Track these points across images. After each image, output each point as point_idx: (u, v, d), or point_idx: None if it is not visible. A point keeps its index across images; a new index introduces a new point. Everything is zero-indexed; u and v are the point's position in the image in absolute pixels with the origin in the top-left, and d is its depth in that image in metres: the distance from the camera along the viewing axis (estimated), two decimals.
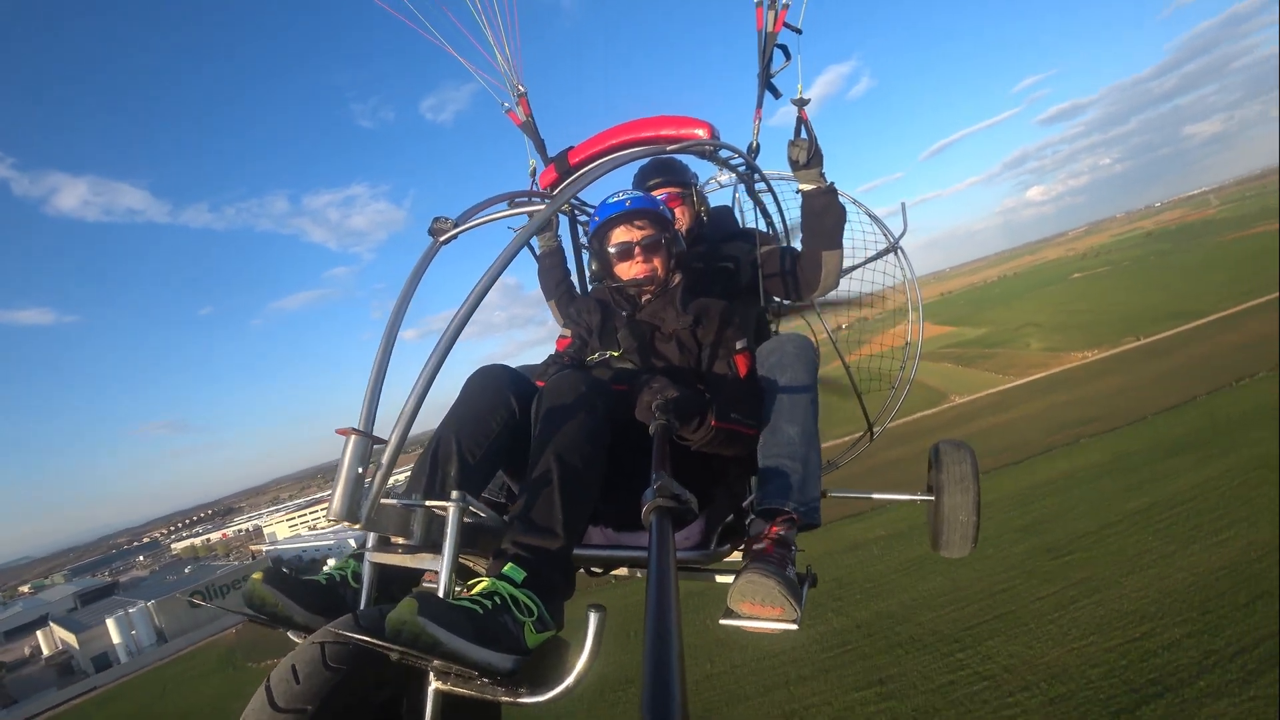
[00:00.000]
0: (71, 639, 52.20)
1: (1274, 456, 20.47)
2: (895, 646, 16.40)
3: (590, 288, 3.40)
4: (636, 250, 2.40)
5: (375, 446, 1.38)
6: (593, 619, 1.20)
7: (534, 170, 3.34)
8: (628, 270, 2.43)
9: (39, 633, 59.22)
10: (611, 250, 2.44)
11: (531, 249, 3.38)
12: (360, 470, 1.33)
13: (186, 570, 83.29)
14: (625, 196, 2.46)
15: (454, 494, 1.43)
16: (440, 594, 1.33)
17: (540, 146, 3.36)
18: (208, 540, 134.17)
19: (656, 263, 2.42)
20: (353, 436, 1.35)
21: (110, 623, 50.28)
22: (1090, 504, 22.77)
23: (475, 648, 1.19)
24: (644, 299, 2.46)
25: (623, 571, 2.37)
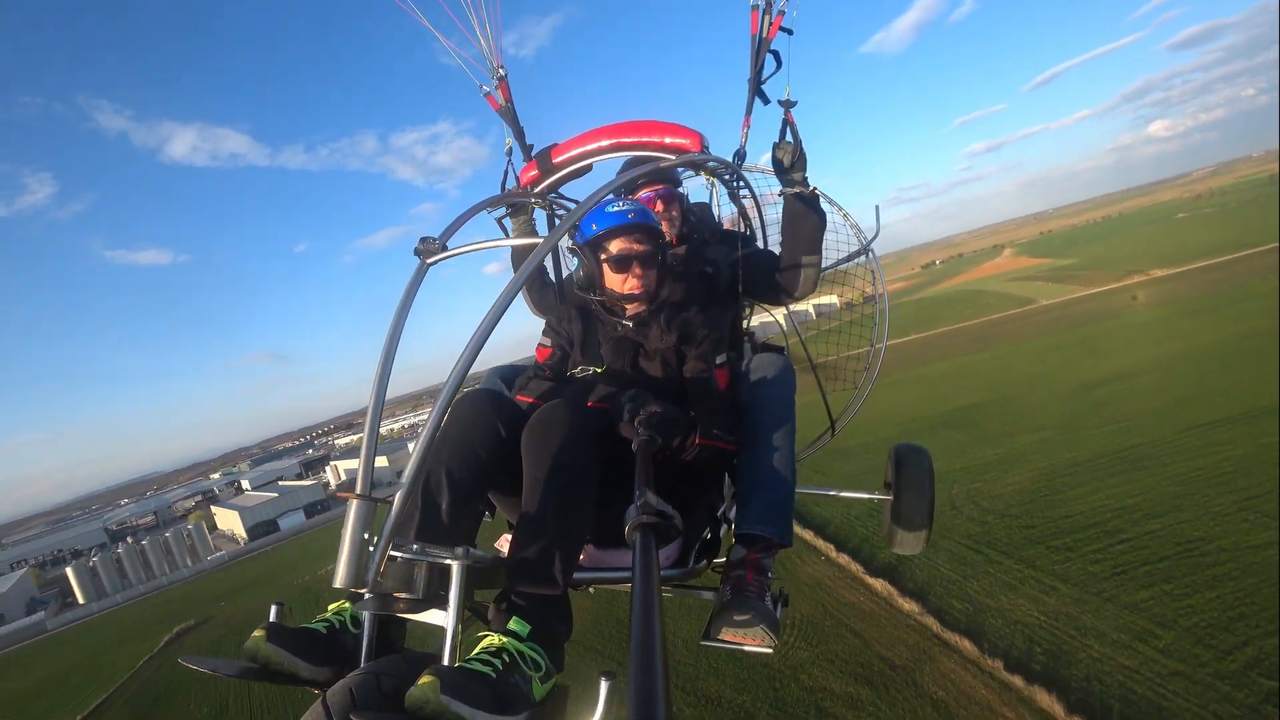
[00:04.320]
0: None
1: None
2: None
3: (562, 278, 3.36)
4: (634, 264, 2.38)
5: (378, 506, 1.43)
6: (604, 687, 1.26)
7: (510, 151, 3.36)
8: (621, 284, 2.40)
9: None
10: (607, 260, 2.40)
11: (504, 229, 3.25)
12: (365, 535, 1.38)
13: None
14: (627, 207, 2.41)
15: (457, 550, 1.49)
16: (448, 652, 1.43)
17: (519, 134, 3.37)
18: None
19: (650, 278, 2.42)
20: (355, 502, 1.39)
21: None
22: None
23: (495, 717, 1.26)
24: (630, 312, 2.44)
25: (606, 586, 2.38)
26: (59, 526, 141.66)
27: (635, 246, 2.38)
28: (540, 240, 2.19)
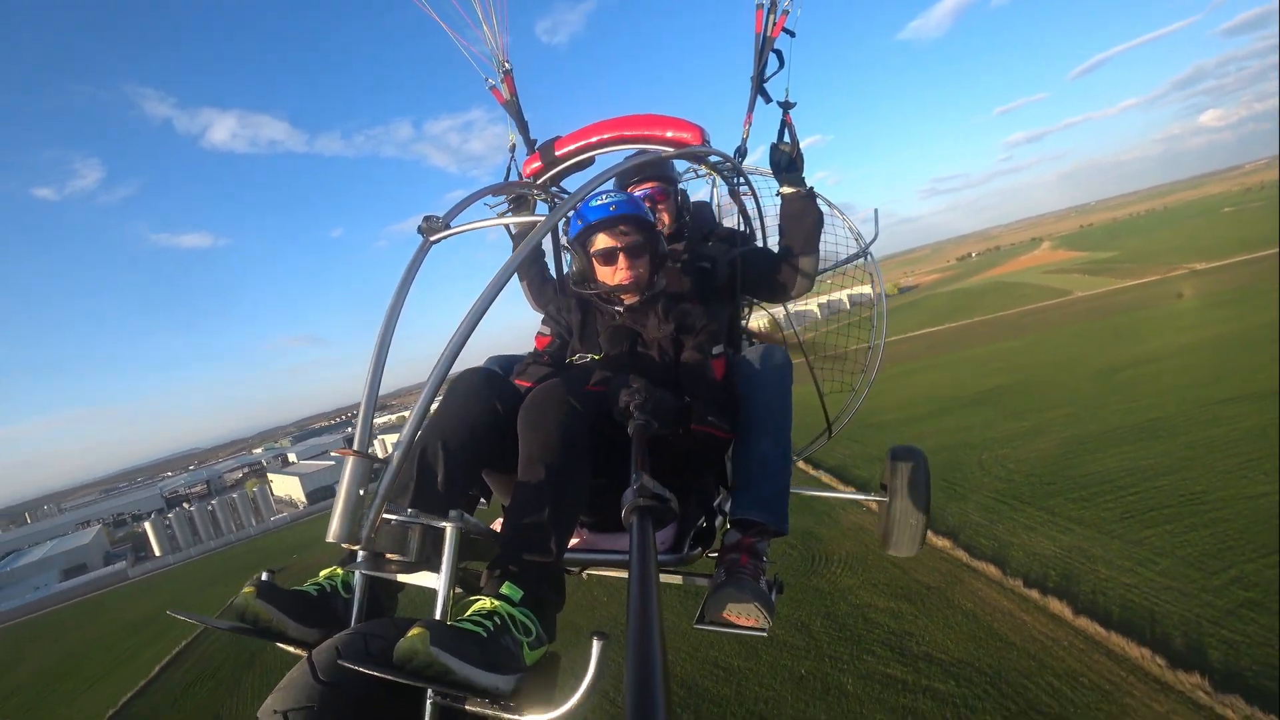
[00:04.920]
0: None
1: None
2: None
3: (565, 271, 3.38)
4: (620, 256, 2.43)
5: (375, 466, 1.46)
6: (596, 647, 1.24)
7: (513, 146, 3.41)
8: (611, 276, 2.46)
9: None
10: (594, 255, 2.46)
11: (508, 228, 3.34)
12: (360, 492, 1.40)
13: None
14: (610, 200, 2.45)
15: (451, 514, 1.51)
16: (439, 614, 1.44)
17: (523, 127, 3.45)
18: None
19: (640, 269, 2.46)
20: (352, 458, 1.42)
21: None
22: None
23: (483, 674, 1.26)
24: (627, 302, 2.48)
25: (602, 571, 2.45)
26: (111, 494, 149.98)
27: (621, 238, 2.43)
28: (540, 219, 2.18)
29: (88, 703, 23.82)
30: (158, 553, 63.76)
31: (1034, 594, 15.71)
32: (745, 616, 1.96)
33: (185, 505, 78.17)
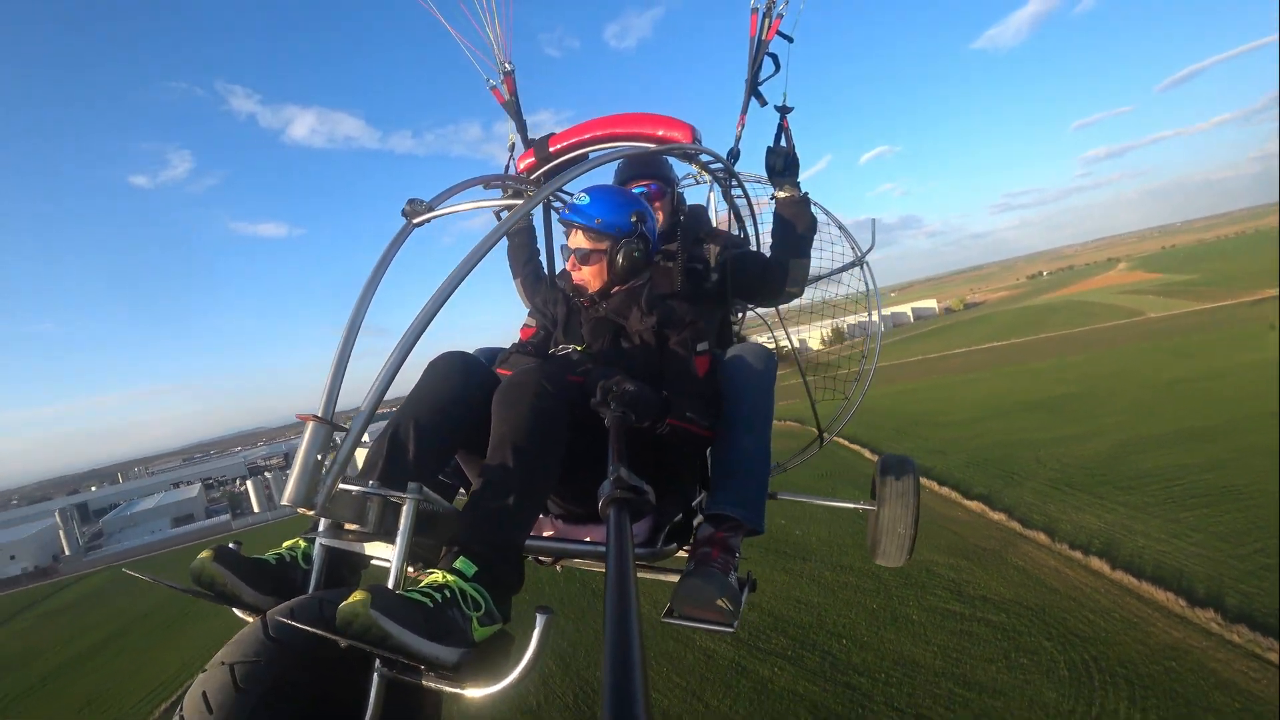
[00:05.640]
0: None
1: None
2: None
3: (560, 269, 3.38)
4: (572, 257, 2.48)
5: (336, 435, 1.44)
6: (540, 621, 1.26)
7: (513, 146, 3.45)
8: (573, 272, 2.52)
9: None
10: (565, 250, 2.53)
11: (497, 217, 3.27)
12: (319, 457, 1.40)
13: None
14: (579, 202, 2.47)
15: (410, 486, 1.51)
16: (391, 585, 1.41)
17: (521, 127, 3.47)
18: None
19: (588, 274, 2.47)
20: (312, 423, 1.42)
21: None
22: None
23: (423, 641, 1.25)
24: (585, 304, 2.50)
25: (575, 562, 2.40)
26: (191, 462, 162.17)
27: (583, 241, 2.45)
28: (520, 203, 2.15)
29: (203, 629, 26.13)
30: (256, 509, 70.79)
31: (1077, 554, 18.57)
32: (710, 610, 1.93)
33: (265, 475, 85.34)
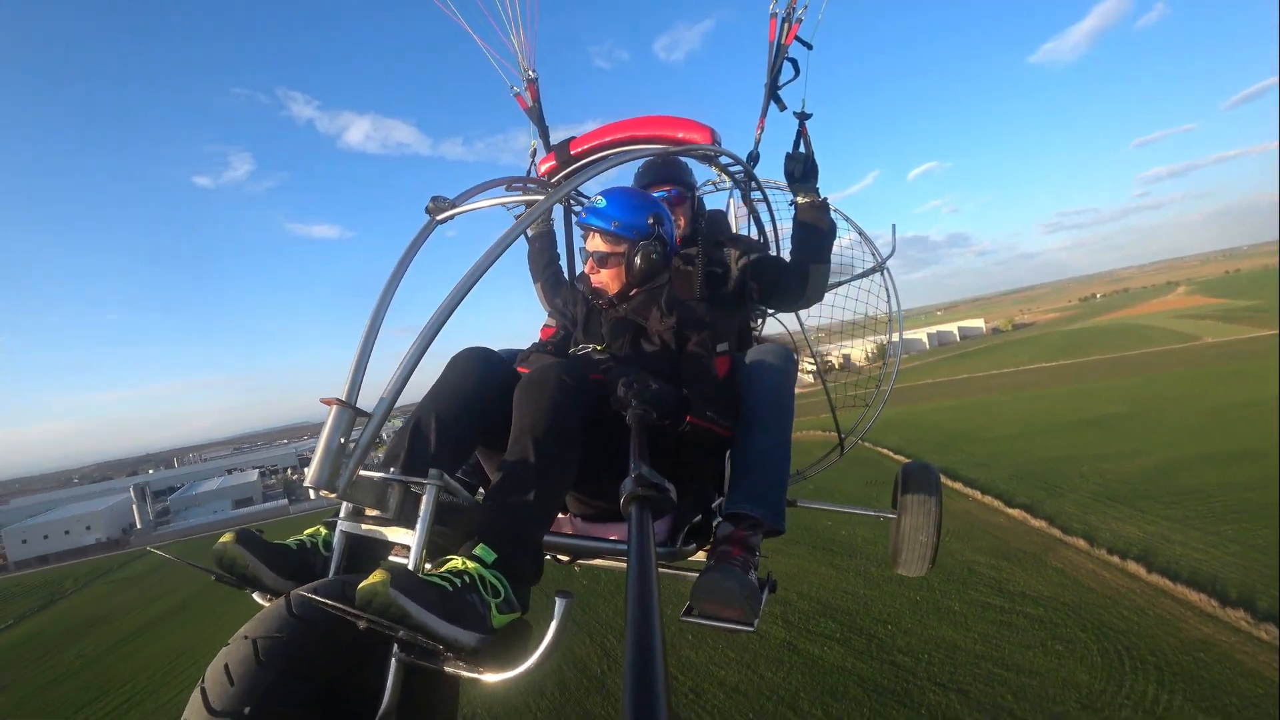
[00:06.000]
0: None
1: None
2: None
3: (580, 272, 3.39)
4: (590, 260, 2.54)
5: (358, 419, 1.47)
6: (559, 605, 1.27)
7: (534, 151, 3.52)
8: (592, 275, 2.58)
9: None
10: (584, 253, 2.60)
11: (526, 236, 3.38)
12: (341, 441, 1.42)
13: None
14: (603, 203, 2.53)
15: (431, 472, 1.53)
16: (410, 569, 1.43)
17: (544, 133, 3.58)
18: None
19: (605, 276, 2.53)
20: (335, 407, 1.44)
21: None
22: None
23: (442, 623, 1.28)
24: (604, 305, 2.56)
25: (595, 561, 2.43)
26: (241, 451, 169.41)
27: (600, 244, 2.52)
28: (540, 199, 2.19)
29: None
30: (312, 496, 74.38)
31: (1115, 559, 19.68)
32: (729, 606, 1.93)
33: None
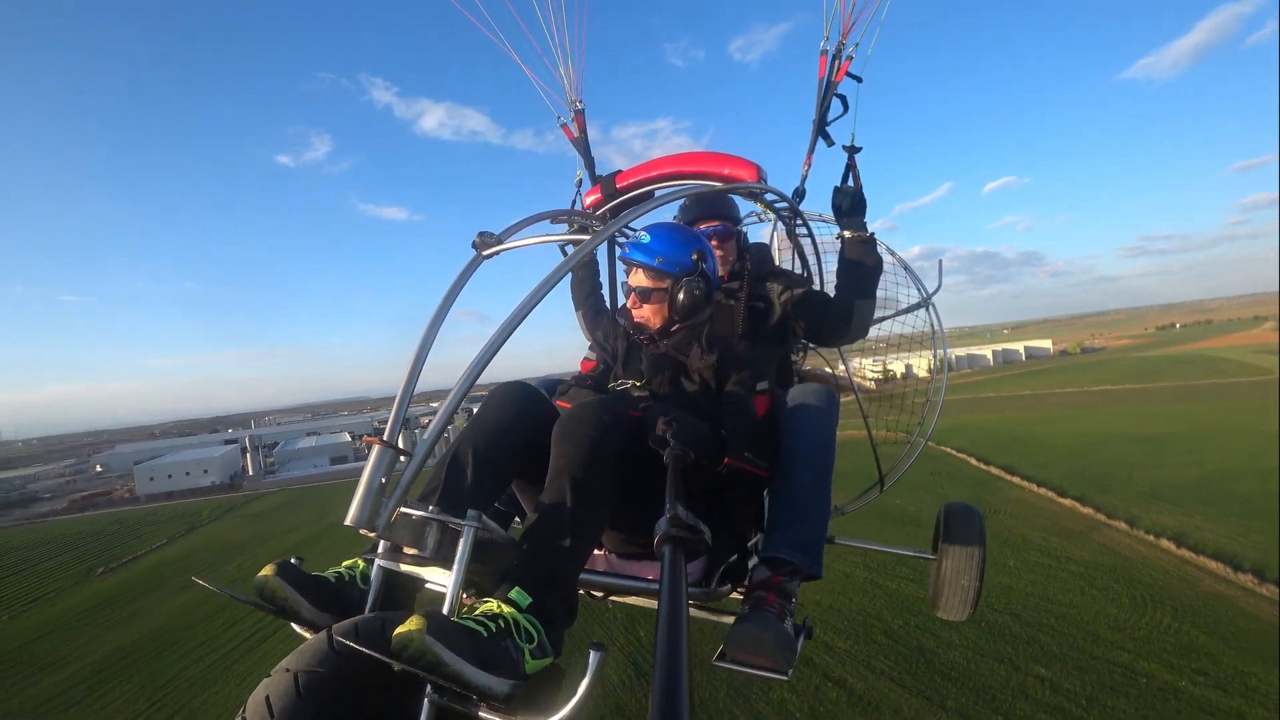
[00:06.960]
0: None
1: None
2: None
3: (620, 304, 3.51)
4: (633, 295, 2.54)
5: (400, 459, 1.53)
6: (593, 658, 1.29)
7: (579, 182, 3.57)
8: (634, 310, 2.57)
9: None
10: (626, 287, 2.61)
11: (563, 251, 3.31)
12: (383, 480, 1.47)
13: None
14: (647, 239, 2.52)
15: (470, 513, 1.55)
16: (446, 611, 1.47)
17: (589, 163, 3.63)
18: None
19: (648, 311, 2.52)
20: (377, 447, 1.49)
21: None
22: None
23: (476, 670, 1.29)
24: (645, 341, 2.56)
25: (628, 599, 2.42)
26: (319, 417, 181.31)
27: (642, 279, 2.51)
28: (586, 238, 2.17)
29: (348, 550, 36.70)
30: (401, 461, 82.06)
31: (1150, 537, 23.53)
32: (765, 656, 1.92)
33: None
